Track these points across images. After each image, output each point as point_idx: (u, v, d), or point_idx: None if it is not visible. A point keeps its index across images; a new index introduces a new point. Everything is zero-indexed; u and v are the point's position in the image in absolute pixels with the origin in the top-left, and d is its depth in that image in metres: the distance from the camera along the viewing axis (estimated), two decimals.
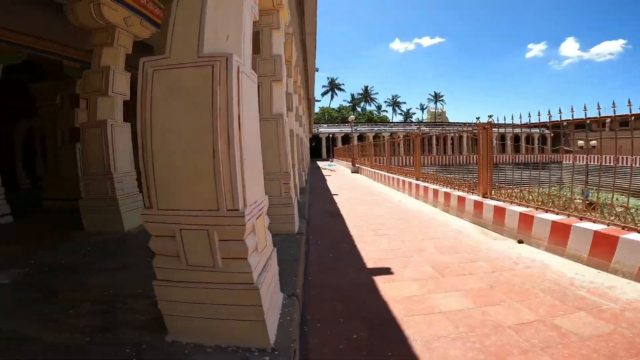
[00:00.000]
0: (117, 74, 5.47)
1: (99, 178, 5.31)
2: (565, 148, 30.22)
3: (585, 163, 19.48)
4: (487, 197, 6.64)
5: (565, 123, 5.81)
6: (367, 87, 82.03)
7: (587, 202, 4.74)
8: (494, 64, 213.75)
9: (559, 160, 30.15)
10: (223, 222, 1.91)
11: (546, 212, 4.97)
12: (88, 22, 5.23)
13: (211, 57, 1.89)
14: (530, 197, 5.52)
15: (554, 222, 4.55)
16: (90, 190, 5.35)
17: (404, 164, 16.94)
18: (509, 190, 6.32)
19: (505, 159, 29.50)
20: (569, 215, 4.59)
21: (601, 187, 5.65)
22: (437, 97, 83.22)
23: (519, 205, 5.61)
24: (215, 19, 1.98)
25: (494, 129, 7.05)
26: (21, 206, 7.63)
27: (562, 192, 6.15)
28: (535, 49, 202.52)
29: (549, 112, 5.69)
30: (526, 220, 5.06)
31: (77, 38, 6.89)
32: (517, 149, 33.90)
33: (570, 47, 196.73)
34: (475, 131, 7.24)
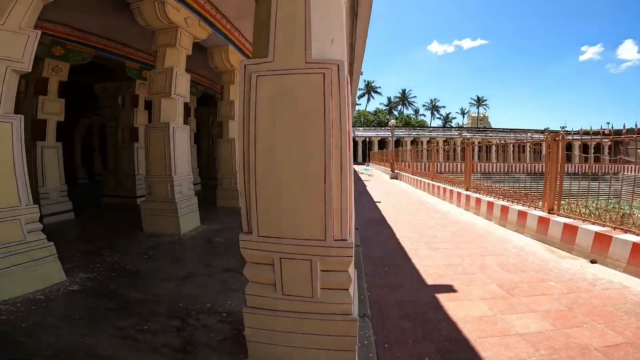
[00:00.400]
0: (179, 75, 5.54)
1: (161, 180, 5.41)
2: (625, 158, 27.81)
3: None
4: (553, 213, 6.23)
5: (624, 130, 5.35)
6: (404, 90, 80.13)
7: None
8: (542, 68, 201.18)
9: (615, 171, 27.82)
10: (329, 252, 1.74)
11: (625, 232, 4.69)
12: (153, 21, 5.35)
13: (321, 64, 1.69)
14: (608, 216, 5.19)
15: (635, 244, 4.29)
16: (153, 193, 5.46)
17: (440, 171, 16.22)
18: (581, 208, 5.81)
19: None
20: None
21: None
22: (479, 102, 79.82)
23: (594, 224, 5.25)
24: (319, 19, 1.77)
25: (534, 136, 6.59)
26: (80, 201, 8.00)
27: (620, 205, 5.91)
28: (590, 52, 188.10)
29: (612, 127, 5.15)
30: (602, 240, 4.78)
31: (139, 39, 7.23)
32: (568, 158, 31.52)
33: (629, 50, 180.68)
34: (541, 141, 6.72)
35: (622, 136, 5.27)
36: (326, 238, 1.73)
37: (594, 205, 5.52)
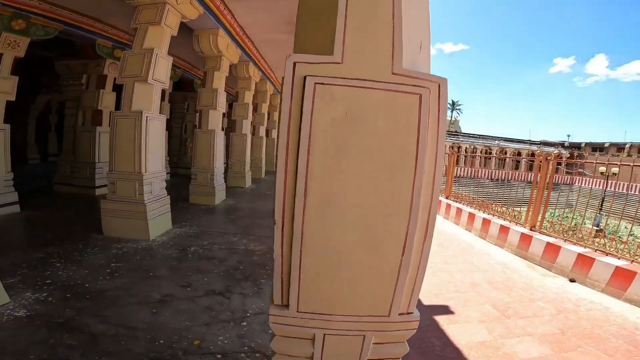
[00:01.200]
0: (160, 57, 4.77)
1: (127, 178, 4.66)
2: (580, 171, 29.91)
3: (601, 188, 19.30)
4: (535, 231, 6.38)
5: (583, 144, 5.94)
6: None
7: (597, 229, 4.72)
8: (515, 76, 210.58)
9: (570, 182, 29.87)
10: (390, 327, 1.33)
11: (606, 255, 4.92)
12: None
13: (417, 80, 1.15)
14: (592, 239, 5.47)
15: (618, 267, 4.53)
16: (117, 191, 4.69)
17: None
18: (566, 229, 5.95)
19: (517, 176, 29.29)
20: (632, 262, 4.61)
21: (613, 214, 6.07)
22: (454, 106, 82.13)
23: (575, 244, 5.45)
24: (409, 12, 1.19)
25: (501, 143, 6.89)
26: (29, 188, 7.05)
27: (573, 215, 6.69)
28: (562, 64, 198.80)
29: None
30: (584, 262, 4.98)
31: (115, 15, 6.44)
32: (530, 167, 33.28)
33: (598, 64, 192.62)
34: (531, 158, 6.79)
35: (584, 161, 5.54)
36: (390, 314, 1.32)
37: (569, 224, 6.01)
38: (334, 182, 1.16)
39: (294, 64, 1.13)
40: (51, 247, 4.18)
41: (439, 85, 1.17)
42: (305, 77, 1.12)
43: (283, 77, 1.12)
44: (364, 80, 1.13)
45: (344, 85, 1.13)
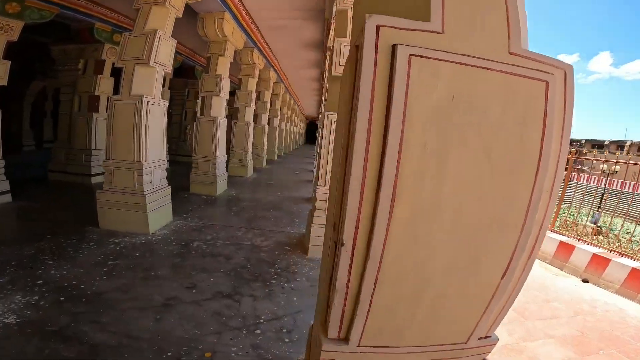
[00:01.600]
0: (163, 39, 4.45)
1: (125, 167, 4.37)
2: (580, 167, 29.86)
3: (598, 185, 19.23)
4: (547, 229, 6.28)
5: (583, 141, 5.93)
6: None
7: (596, 227, 4.85)
8: None
9: (569, 178, 29.88)
10: (464, 354, 1.12)
11: (622, 255, 4.86)
12: None
13: (539, 63, 0.87)
14: (605, 239, 5.34)
15: (633, 269, 4.46)
16: (114, 181, 4.40)
17: None
18: (579, 227, 5.88)
19: None
20: None
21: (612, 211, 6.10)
22: None
23: (589, 244, 5.40)
24: None
25: None
26: (22, 176, 6.80)
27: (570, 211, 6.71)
28: (566, 61, 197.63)
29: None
30: (599, 262, 4.91)
31: None
32: None
33: (602, 62, 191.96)
34: None
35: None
36: (469, 340, 1.09)
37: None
38: (432, 188, 0.86)
39: (377, 27, 0.80)
40: (43, 241, 3.88)
41: (565, 73, 0.90)
42: (394, 46, 0.79)
43: (356, 45, 0.82)
44: (476, 57, 0.83)
45: (449, 62, 0.82)
